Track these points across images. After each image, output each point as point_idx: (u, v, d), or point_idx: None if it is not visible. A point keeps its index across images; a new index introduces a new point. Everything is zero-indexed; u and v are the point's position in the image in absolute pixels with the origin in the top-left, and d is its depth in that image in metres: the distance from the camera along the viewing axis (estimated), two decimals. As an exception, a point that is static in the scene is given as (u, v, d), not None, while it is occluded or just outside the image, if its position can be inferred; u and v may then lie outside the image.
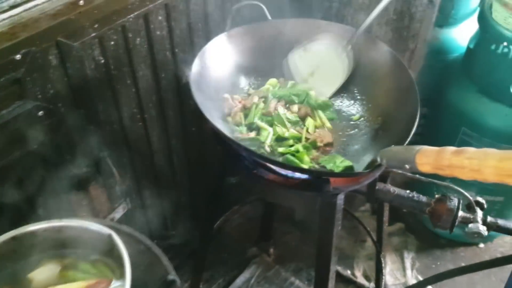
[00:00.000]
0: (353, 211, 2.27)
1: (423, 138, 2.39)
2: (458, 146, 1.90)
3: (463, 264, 2.27)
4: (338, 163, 1.22)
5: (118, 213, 1.65)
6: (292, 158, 1.21)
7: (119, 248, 0.88)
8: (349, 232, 2.38)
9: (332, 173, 1.14)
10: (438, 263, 2.29)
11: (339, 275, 2.21)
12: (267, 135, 1.26)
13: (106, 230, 0.91)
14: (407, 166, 0.94)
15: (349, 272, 2.22)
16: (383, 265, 1.79)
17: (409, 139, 1.10)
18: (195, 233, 2.00)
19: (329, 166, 1.20)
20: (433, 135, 2.21)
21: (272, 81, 1.43)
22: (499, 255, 2.29)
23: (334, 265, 1.30)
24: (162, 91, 1.58)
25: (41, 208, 1.37)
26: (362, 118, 1.37)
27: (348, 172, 1.14)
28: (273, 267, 2.24)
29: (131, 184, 1.68)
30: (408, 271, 2.23)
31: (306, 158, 1.23)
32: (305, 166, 1.20)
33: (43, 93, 1.21)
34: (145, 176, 1.73)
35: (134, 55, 1.42)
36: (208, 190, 1.60)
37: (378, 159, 1.03)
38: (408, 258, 2.28)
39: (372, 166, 1.05)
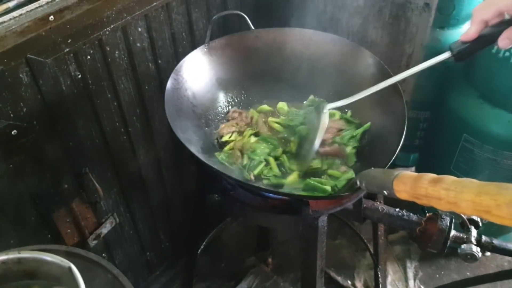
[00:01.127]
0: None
1: (426, 142, 2.32)
2: (460, 153, 1.91)
3: (468, 274, 2.20)
4: (340, 177, 1.16)
5: (106, 228, 1.62)
6: (314, 183, 1.14)
7: (78, 283, 0.84)
8: (350, 240, 2.32)
9: (308, 196, 1.08)
10: (442, 272, 2.21)
11: (339, 286, 2.15)
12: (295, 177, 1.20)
13: (65, 263, 0.87)
14: (385, 192, 0.88)
15: (349, 282, 2.16)
16: (380, 279, 1.73)
17: (391, 162, 1.03)
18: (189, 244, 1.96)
19: (330, 183, 1.14)
20: (435, 140, 2.14)
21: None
22: (506, 264, 2.22)
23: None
24: (146, 103, 1.54)
25: (21, 228, 1.34)
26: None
27: (326, 195, 1.08)
28: (271, 278, 2.18)
29: (118, 198, 1.64)
30: (411, 282, 2.16)
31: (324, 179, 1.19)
32: (328, 187, 1.13)
33: (16, 112, 1.18)
34: (133, 190, 1.69)
35: (114, 69, 1.38)
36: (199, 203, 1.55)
37: (358, 182, 0.97)
38: (411, 268, 2.21)
39: (352, 189, 0.99)
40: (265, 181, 1.15)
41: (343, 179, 1.15)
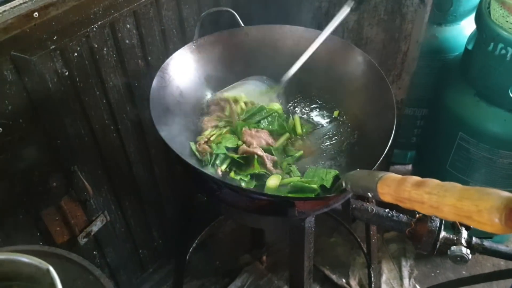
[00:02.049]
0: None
1: (422, 140, 2.30)
2: (456, 151, 1.88)
3: (463, 272, 2.18)
4: (325, 177, 1.13)
5: (96, 226, 1.60)
6: (301, 184, 1.10)
7: (56, 285, 0.82)
8: (345, 238, 2.30)
9: (294, 197, 1.06)
10: (438, 271, 2.20)
11: (333, 284, 2.14)
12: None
13: (44, 265, 0.85)
14: (370, 194, 0.86)
15: (344, 281, 2.15)
16: (373, 279, 1.71)
17: (378, 163, 1.01)
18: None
19: (317, 182, 1.11)
20: (432, 138, 2.11)
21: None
22: (502, 263, 2.20)
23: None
24: (136, 101, 1.52)
25: (9, 226, 1.33)
26: (338, 132, 1.28)
27: (312, 197, 1.06)
28: (265, 275, 2.17)
29: (109, 196, 1.62)
30: (406, 280, 2.14)
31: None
32: (315, 186, 1.09)
33: (0, 109, 1.16)
34: (124, 187, 1.67)
35: (102, 66, 1.36)
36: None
37: (343, 184, 0.95)
38: (406, 266, 2.19)
39: (337, 190, 0.97)
40: (242, 183, 1.12)
41: (330, 178, 1.11)
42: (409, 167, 2.51)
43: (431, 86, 2.11)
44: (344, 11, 1.28)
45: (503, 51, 1.62)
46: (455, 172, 1.94)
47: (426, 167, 2.19)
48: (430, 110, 2.20)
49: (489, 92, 1.74)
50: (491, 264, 2.20)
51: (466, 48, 1.85)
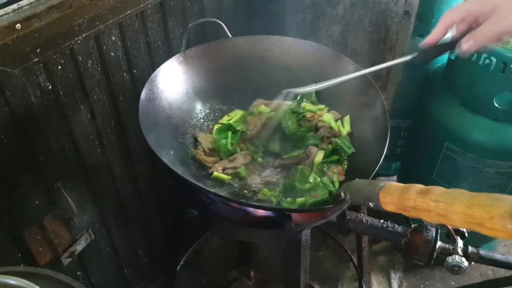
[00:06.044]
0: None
1: (407, 151, 2.31)
2: (442, 161, 1.89)
3: (452, 283, 2.18)
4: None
5: (80, 245, 1.55)
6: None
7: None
8: (333, 251, 2.28)
9: (291, 209, 1.03)
10: (427, 282, 2.19)
11: (322, 299, 2.11)
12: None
13: (31, 286, 0.81)
14: (371, 204, 0.84)
15: (333, 295, 2.12)
16: (365, 291, 1.69)
17: (374, 173, 1.00)
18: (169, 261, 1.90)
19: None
20: (417, 149, 2.12)
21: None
22: (490, 273, 2.21)
23: (305, 303, 1.20)
24: (121, 115, 1.49)
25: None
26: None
27: (308, 208, 1.04)
28: (254, 292, 2.13)
29: (93, 214, 1.57)
30: (395, 292, 2.13)
31: None
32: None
33: (-19, 125, 1.11)
34: (109, 205, 1.62)
35: (86, 79, 1.32)
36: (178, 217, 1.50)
37: (342, 194, 0.93)
38: (395, 279, 2.18)
39: (336, 201, 0.95)
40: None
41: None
42: (394, 178, 2.51)
43: (414, 97, 2.12)
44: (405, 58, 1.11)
45: (487, 61, 1.63)
46: (441, 182, 1.94)
47: (412, 178, 2.19)
48: (414, 121, 2.21)
49: (474, 102, 1.76)
50: (479, 274, 2.21)
51: (449, 59, 1.87)
